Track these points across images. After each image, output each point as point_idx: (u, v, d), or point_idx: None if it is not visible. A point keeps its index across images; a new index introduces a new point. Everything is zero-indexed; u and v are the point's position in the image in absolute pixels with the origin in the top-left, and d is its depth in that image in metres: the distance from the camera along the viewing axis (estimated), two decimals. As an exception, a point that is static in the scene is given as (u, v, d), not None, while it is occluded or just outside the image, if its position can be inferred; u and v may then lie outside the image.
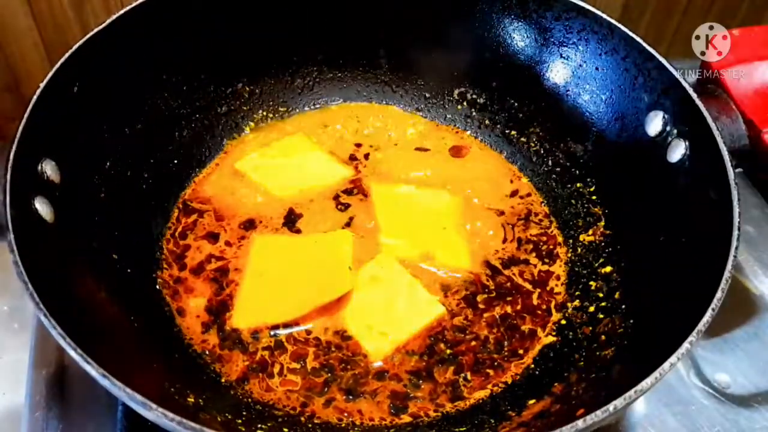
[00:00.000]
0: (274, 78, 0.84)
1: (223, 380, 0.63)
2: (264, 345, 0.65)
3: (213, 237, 0.73)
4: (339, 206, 0.77)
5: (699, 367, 0.73)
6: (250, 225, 0.74)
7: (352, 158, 0.82)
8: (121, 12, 0.68)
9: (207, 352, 0.65)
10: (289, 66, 0.84)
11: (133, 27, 0.69)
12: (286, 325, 0.66)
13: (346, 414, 0.62)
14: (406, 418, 0.62)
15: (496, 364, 0.66)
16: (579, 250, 0.74)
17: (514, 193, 0.80)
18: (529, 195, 0.80)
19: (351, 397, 0.62)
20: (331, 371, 0.64)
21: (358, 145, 0.83)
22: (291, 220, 0.75)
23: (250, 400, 0.62)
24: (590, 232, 0.75)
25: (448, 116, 0.86)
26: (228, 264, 0.71)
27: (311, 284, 0.68)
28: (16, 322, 0.73)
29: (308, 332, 0.66)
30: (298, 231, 0.74)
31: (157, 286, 0.69)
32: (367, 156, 0.82)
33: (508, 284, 0.72)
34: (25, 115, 0.58)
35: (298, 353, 0.65)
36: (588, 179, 0.77)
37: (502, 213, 0.78)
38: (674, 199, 0.67)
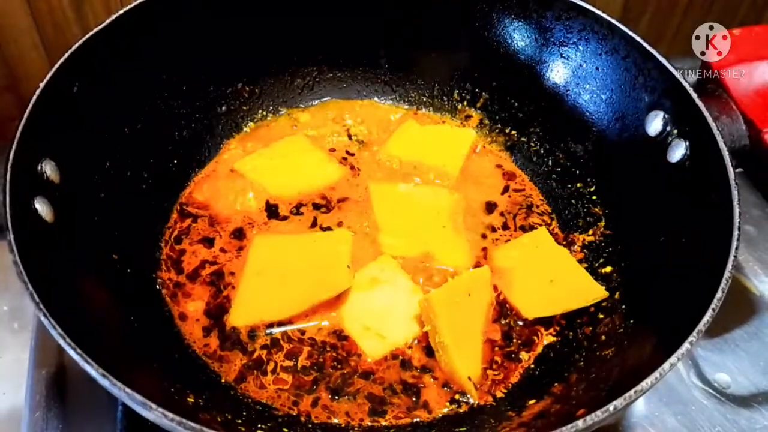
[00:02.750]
0: (274, 78, 0.84)
1: (222, 380, 0.63)
2: (261, 344, 0.65)
3: (208, 242, 0.73)
4: (338, 205, 0.77)
5: (699, 367, 0.73)
6: (247, 227, 0.74)
7: (352, 157, 0.82)
8: (121, 12, 0.68)
9: (207, 354, 0.65)
10: (289, 65, 0.84)
11: (133, 27, 0.69)
12: (282, 323, 0.66)
13: (335, 413, 0.62)
14: (398, 421, 0.62)
15: (496, 366, 0.66)
16: (579, 250, 0.74)
17: (514, 192, 0.80)
18: (529, 196, 0.80)
19: (336, 396, 0.62)
20: (321, 370, 0.64)
21: (358, 145, 0.83)
22: (289, 219, 0.75)
23: (249, 400, 0.62)
24: (590, 232, 0.75)
25: (448, 116, 0.86)
26: (222, 268, 0.71)
27: (309, 282, 0.68)
28: (16, 322, 0.73)
29: (302, 332, 0.66)
30: (297, 230, 0.74)
31: (157, 286, 0.69)
32: (366, 155, 0.82)
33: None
34: (25, 115, 0.58)
35: (292, 351, 0.65)
36: (588, 179, 0.77)
37: (501, 213, 0.78)
38: (674, 199, 0.67)
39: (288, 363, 0.64)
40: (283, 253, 0.71)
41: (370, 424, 0.61)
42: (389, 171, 0.81)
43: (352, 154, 0.82)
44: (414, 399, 0.63)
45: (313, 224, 0.75)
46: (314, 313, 0.67)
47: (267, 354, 0.65)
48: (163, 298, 0.68)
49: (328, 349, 0.65)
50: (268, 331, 0.66)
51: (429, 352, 0.66)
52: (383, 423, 0.62)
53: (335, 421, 0.61)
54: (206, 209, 0.75)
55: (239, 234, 0.73)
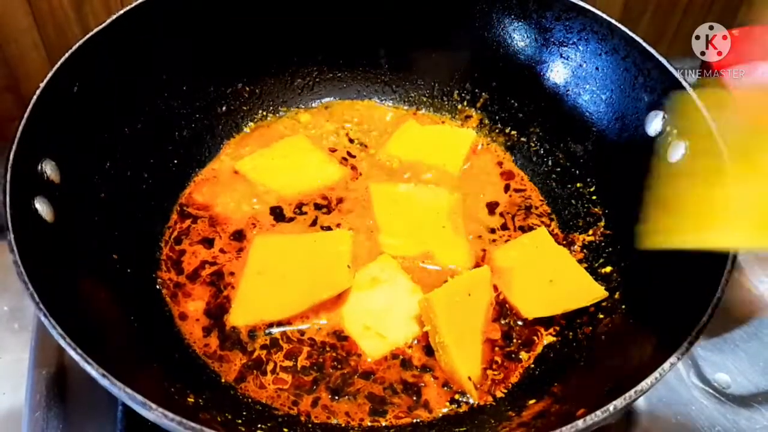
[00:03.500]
0: (274, 78, 0.84)
1: (222, 380, 0.63)
2: (261, 344, 0.65)
3: (208, 242, 0.72)
4: (338, 205, 0.77)
5: (699, 367, 0.73)
6: (248, 227, 0.74)
7: (352, 157, 0.82)
8: (122, 12, 0.68)
9: (207, 354, 0.65)
10: (289, 66, 0.84)
11: (134, 27, 0.69)
12: (281, 324, 0.66)
13: (335, 413, 0.62)
14: (398, 420, 0.62)
15: (496, 366, 0.66)
16: (579, 250, 0.74)
17: (514, 192, 0.80)
18: (529, 197, 0.80)
19: (336, 396, 0.62)
20: (321, 370, 0.64)
21: (358, 145, 0.83)
22: (290, 220, 0.75)
23: (249, 400, 0.62)
24: (590, 232, 0.75)
25: (448, 116, 0.86)
26: (222, 268, 0.70)
27: (309, 282, 0.68)
28: (16, 322, 0.73)
29: (301, 332, 0.66)
30: (298, 230, 0.74)
31: (157, 286, 0.69)
32: (366, 155, 0.82)
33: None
34: (25, 115, 0.58)
35: (291, 351, 0.65)
36: (588, 179, 0.77)
37: (501, 213, 0.78)
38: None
39: (288, 363, 0.64)
40: (284, 253, 0.71)
41: (370, 424, 0.61)
42: (389, 171, 0.81)
43: (353, 156, 0.82)
44: (414, 399, 0.63)
45: (314, 224, 0.75)
46: (314, 314, 0.67)
47: (267, 354, 0.65)
48: (163, 298, 0.68)
49: (327, 349, 0.65)
50: (267, 331, 0.66)
51: (429, 351, 0.66)
52: (383, 423, 0.62)
53: (335, 421, 0.61)
54: (206, 210, 0.75)
55: (239, 235, 0.73)
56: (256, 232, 0.73)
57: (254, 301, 0.67)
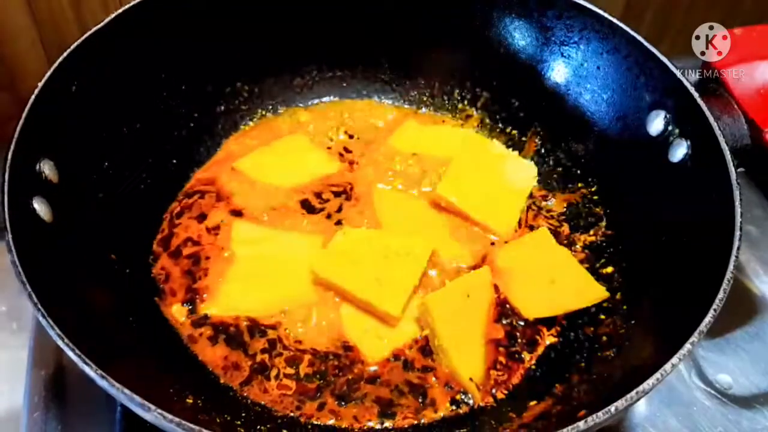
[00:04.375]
0: (274, 77, 0.83)
1: (222, 381, 0.63)
2: (262, 347, 0.65)
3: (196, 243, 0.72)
4: (338, 204, 0.76)
5: (701, 368, 0.73)
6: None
7: (352, 156, 0.81)
8: (120, 11, 0.68)
9: (213, 362, 0.64)
10: (288, 65, 0.84)
11: (132, 26, 0.69)
12: (274, 326, 0.66)
13: (341, 417, 0.61)
14: (405, 422, 0.62)
15: (500, 366, 0.66)
16: (580, 250, 0.74)
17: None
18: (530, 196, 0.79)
19: (343, 402, 0.62)
20: (324, 377, 0.63)
21: (358, 144, 0.83)
22: (291, 218, 0.75)
23: (249, 401, 0.62)
24: (591, 232, 0.74)
25: (449, 115, 0.86)
26: (200, 251, 0.70)
27: (286, 282, 0.68)
28: (14, 323, 0.73)
29: (299, 341, 0.65)
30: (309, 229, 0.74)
31: (157, 286, 0.68)
32: (366, 155, 0.81)
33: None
34: (23, 115, 0.58)
35: (293, 359, 0.64)
36: (589, 179, 0.77)
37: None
38: (676, 199, 0.66)
39: (290, 370, 0.64)
40: (266, 247, 0.71)
41: (378, 426, 0.61)
42: (390, 170, 0.80)
43: (353, 153, 0.81)
44: (421, 399, 0.63)
45: (309, 222, 0.74)
46: (310, 316, 0.67)
47: (269, 359, 0.64)
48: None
49: (330, 357, 0.64)
50: (261, 333, 0.66)
51: (429, 352, 0.65)
52: (387, 424, 0.61)
53: (331, 422, 0.61)
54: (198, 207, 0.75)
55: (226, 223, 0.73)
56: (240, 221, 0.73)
57: (234, 292, 0.67)
